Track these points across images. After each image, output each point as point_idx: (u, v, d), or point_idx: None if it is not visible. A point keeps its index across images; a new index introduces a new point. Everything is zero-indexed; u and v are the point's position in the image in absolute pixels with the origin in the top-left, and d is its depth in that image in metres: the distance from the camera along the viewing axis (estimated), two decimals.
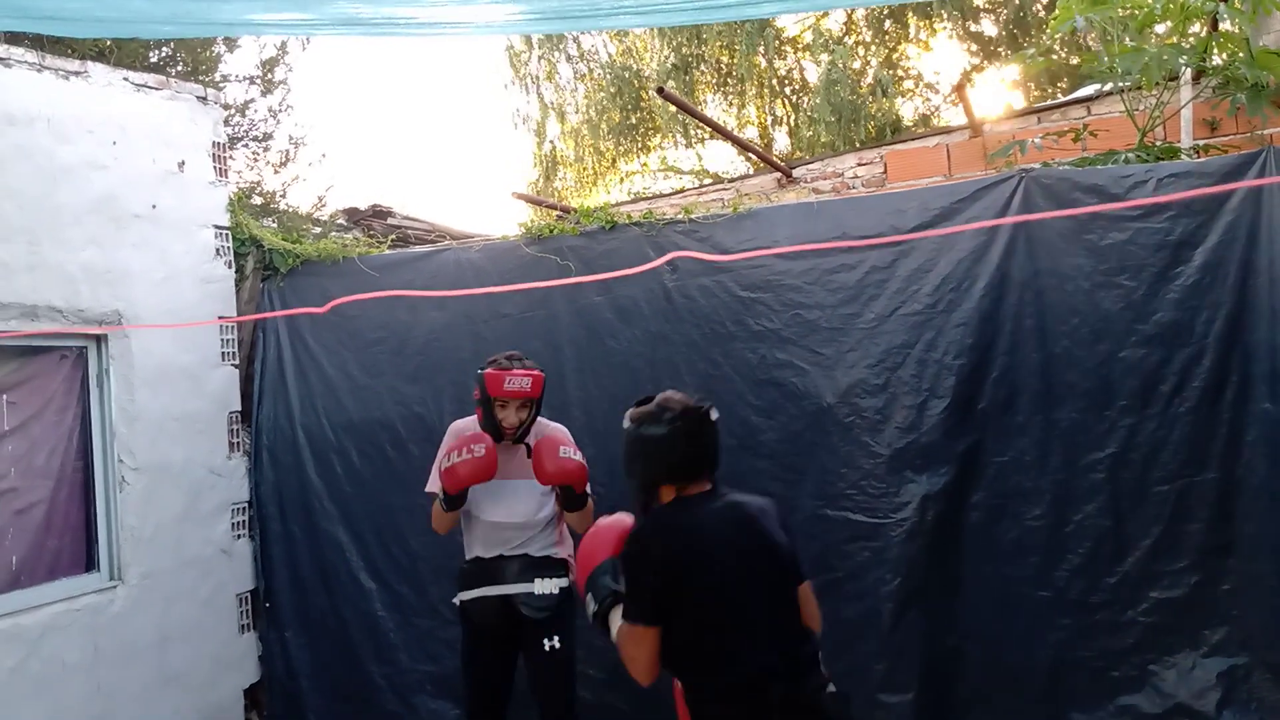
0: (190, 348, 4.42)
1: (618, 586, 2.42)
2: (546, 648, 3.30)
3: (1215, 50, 4.55)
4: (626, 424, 2.56)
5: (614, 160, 14.74)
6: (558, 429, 3.52)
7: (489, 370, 3.37)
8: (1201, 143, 4.71)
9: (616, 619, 2.39)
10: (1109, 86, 5.09)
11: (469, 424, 3.49)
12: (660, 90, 5.82)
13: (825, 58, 12.33)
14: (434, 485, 3.40)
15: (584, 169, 14.76)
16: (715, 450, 2.53)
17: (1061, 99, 5.97)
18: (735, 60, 13.32)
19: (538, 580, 3.32)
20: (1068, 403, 3.63)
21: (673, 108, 12.33)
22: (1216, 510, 3.49)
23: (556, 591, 3.33)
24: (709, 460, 2.51)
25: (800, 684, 2.30)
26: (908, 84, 13.41)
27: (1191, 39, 4.54)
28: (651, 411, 2.52)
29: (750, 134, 14.10)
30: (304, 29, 3.34)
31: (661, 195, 7.40)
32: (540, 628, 3.31)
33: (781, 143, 14.18)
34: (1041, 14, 11.60)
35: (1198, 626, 3.51)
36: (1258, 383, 3.45)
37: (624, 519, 2.57)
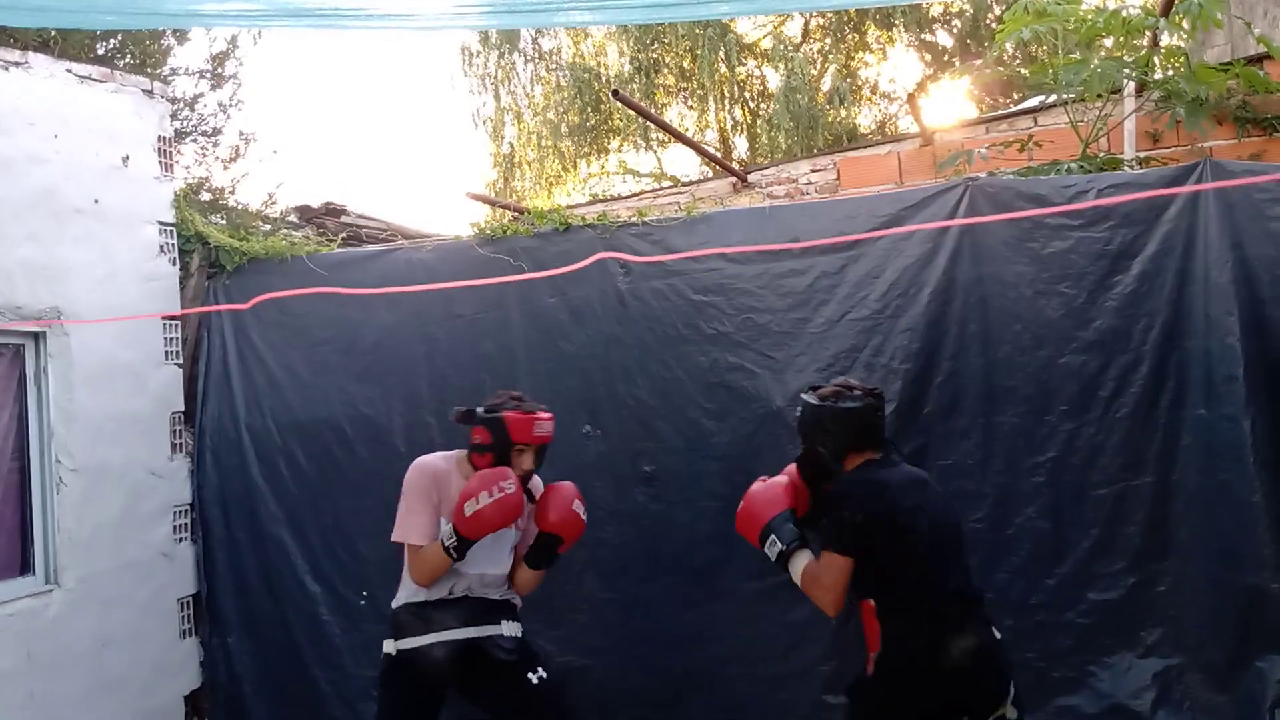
0: (132, 346, 4.32)
1: (800, 531, 2.84)
2: (534, 680, 3.10)
3: (1158, 65, 4.67)
4: (814, 400, 2.93)
5: (573, 162, 14.73)
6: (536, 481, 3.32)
7: (511, 413, 3.08)
8: (1143, 154, 4.82)
9: (803, 558, 2.79)
10: (1053, 98, 5.20)
11: (440, 463, 3.19)
12: (615, 93, 5.84)
13: (783, 66, 12.45)
14: (416, 534, 3.05)
15: (543, 170, 14.73)
16: (884, 424, 2.96)
17: (1009, 109, 6.09)
18: (696, 65, 13.39)
19: (504, 622, 3.14)
20: (1009, 407, 3.70)
21: (632, 110, 12.34)
22: (1153, 513, 3.58)
23: (520, 634, 3.17)
24: (883, 431, 2.93)
25: (974, 613, 2.76)
26: (864, 92, 13.57)
27: (1135, 52, 4.65)
28: (840, 389, 2.94)
29: (710, 138, 14.17)
30: (252, 20, 3.30)
31: (618, 198, 7.41)
32: (517, 666, 3.11)
33: (741, 148, 14.27)
34: (994, 25, 11.81)
35: (1134, 628, 3.59)
36: (1193, 389, 3.54)
37: (779, 480, 2.97)
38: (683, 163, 15.48)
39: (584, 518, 3.19)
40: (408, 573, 3.13)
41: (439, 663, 3.03)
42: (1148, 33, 4.57)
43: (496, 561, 3.16)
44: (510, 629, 3.14)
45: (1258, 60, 4.85)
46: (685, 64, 13.89)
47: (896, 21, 12.94)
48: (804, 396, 3.00)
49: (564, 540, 3.17)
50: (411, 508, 3.10)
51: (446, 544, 2.99)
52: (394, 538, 3.11)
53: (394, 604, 3.19)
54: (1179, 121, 4.51)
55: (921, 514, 2.74)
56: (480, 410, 3.12)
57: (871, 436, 2.89)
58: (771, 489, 2.95)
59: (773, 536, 2.84)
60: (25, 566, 3.93)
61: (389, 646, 3.12)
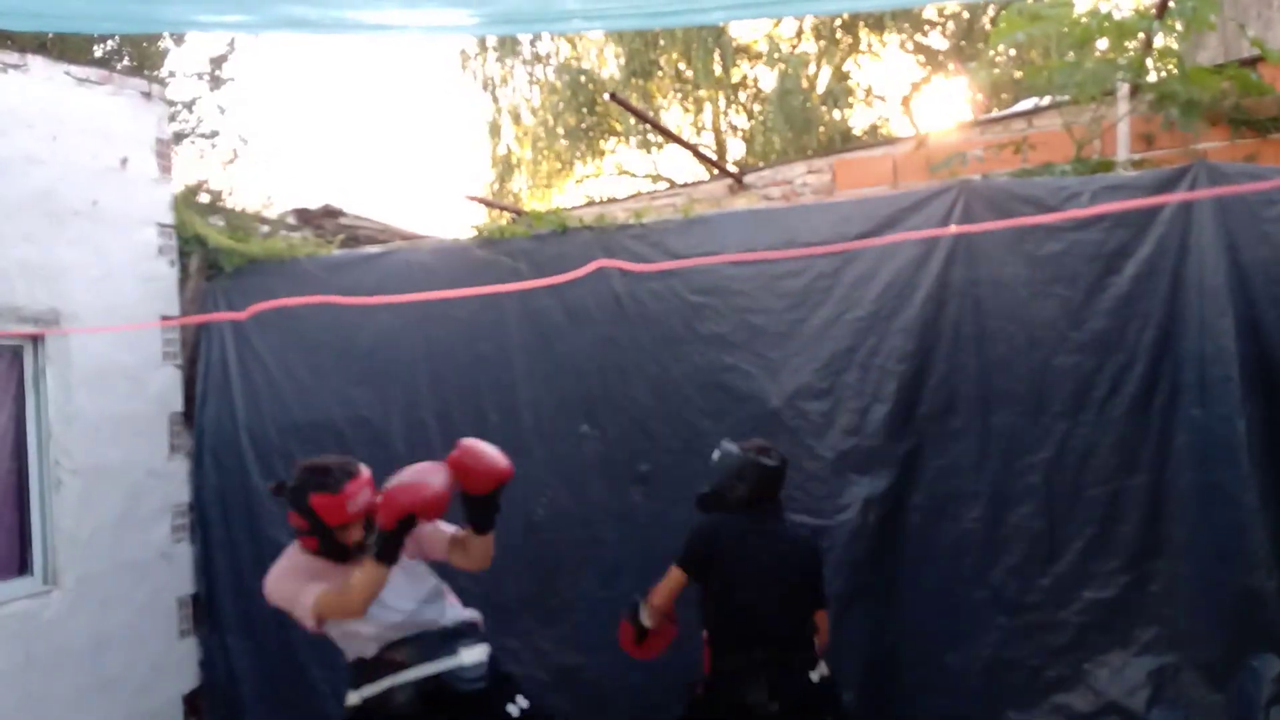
0: (131, 347, 4.33)
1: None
2: (515, 713, 2.82)
3: (1151, 67, 4.69)
4: (734, 449, 3.22)
5: (569, 163, 14.75)
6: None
7: (317, 496, 2.73)
8: (1137, 156, 4.84)
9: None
10: (1047, 100, 5.23)
11: (287, 562, 2.88)
12: (613, 96, 5.86)
13: (780, 68, 12.47)
14: (322, 592, 2.71)
15: (539, 172, 14.75)
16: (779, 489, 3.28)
17: (1004, 111, 6.11)
18: (692, 67, 13.41)
19: (463, 650, 2.83)
20: (1004, 408, 3.72)
21: (629, 112, 12.37)
22: (1146, 513, 3.60)
23: (486, 660, 2.86)
24: (777, 494, 3.26)
25: (787, 659, 3.05)
26: (858, 93, 13.60)
27: (1129, 55, 4.68)
28: (765, 447, 3.25)
29: (706, 140, 14.20)
30: (249, 28, 3.31)
31: (614, 200, 7.41)
32: (491, 697, 2.82)
33: (737, 150, 14.29)
34: (988, 28, 11.84)
35: (1129, 626, 3.61)
36: (1187, 389, 3.56)
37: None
38: (679, 164, 15.51)
39: (505, 459, 2.81)
40: (347, 629, 2.79)
41: (402, 707, 2.75)
42: (1141, 35, 4.60)
43: (416, 596, 2.86)
44: (472, 655, 2.83)
45: (1251, 63, 4.87)
46: (680, 66, 13.92)
47: (889, 24, 12.98)
48: (727, 445, 3.26)
49: (500, 482, 2.78)
50: (300, 588, 2.76)
51: (375, 543, 2.66)
52: (313, 614, 2.72)
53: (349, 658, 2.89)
54: (1173, 123, 4.53)
55: (746, 559, 3.09)
56: (287, 484, 2.81)
57: (766, 495, 3.20)
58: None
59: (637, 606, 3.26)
60: (24, 567, 3.95)
61: (352, 698, 2.83)
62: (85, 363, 4.10)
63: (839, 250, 3.83)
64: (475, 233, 4.71)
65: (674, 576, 3.19)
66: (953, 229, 3.71)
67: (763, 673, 3.01)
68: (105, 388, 4.19)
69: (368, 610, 2.70)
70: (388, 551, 2.65)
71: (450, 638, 2.85)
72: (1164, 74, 4.68)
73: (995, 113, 6.27)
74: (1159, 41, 4.74)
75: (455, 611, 2.94)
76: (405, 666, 2.78)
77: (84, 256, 4.14)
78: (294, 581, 2.81)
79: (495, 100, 14.84)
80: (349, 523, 2.78)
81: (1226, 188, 3.28)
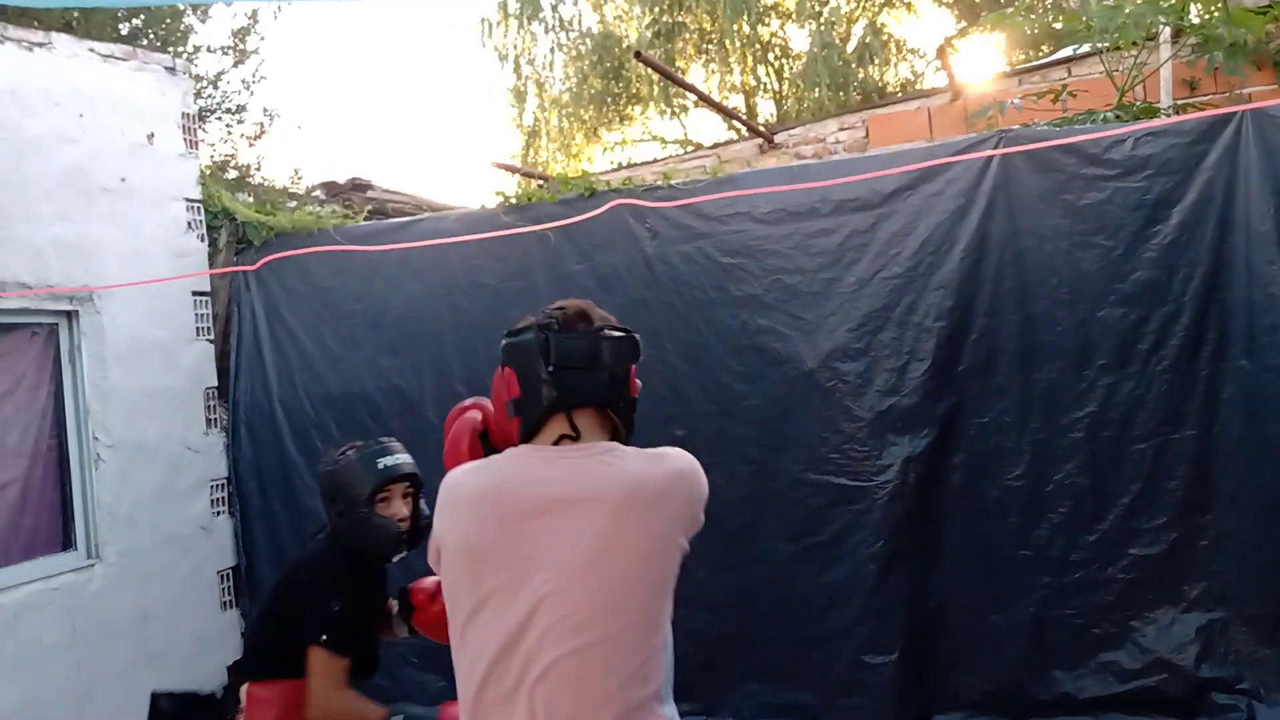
0: (164, 323, 4.36)
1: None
2: None
3: (1194, 9, 4.53)
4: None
5: (595, 129, 14.63)
6: None
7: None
8: (1180, 102, 4.69)
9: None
10: (1086, 48, 5.07)
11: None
12: (638, 54, 5.76)
13: (812, 25, 12.24)
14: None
15: (566, 139, 14.65)
16: None
17: (1042, 60, 5.94)
18: (717, 26, 13.20)
19: None
20: (1047, 363, 3.64)
21: (655, 76, 12.23)
22: (1194, 467, 3.52)
23: None
24: None
25: None
26: (891, 48, 13.33)
27: None
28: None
29: (734, 101, 14.01)
30: None
31: (643, 163, 7.34)
32: None
33: (766, 110, 14.09)
34: None
35: (1176, 582, 3.54)
36: (1235, 340, 3.46)
37: None
38: (707, 129, 15.35)
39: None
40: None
41: None
42: None
43: None
44: None
45: None
46: (706, 26, 13.71)
47: None
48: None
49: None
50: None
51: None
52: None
53: None
54: (1216, 68, 4.38)
55: None
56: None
57: None
58: None
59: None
60: (67, 542, 4.00)
61: None
62: (119, 338, 4.13)
63: (856, 180, 3.72)
64: (501, 200, 4.67)
65: None
66: (990, 152, 3.59)
67: None
68: (140, 363, 4.22)
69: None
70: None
71: None
72: (1207, 16, 4.52)
73: (1033, 61, 6.10)
74: None
75: None
76: None
77: (115, 233, 4.15)
78: None
79: (518, 69, 14.72)
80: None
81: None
